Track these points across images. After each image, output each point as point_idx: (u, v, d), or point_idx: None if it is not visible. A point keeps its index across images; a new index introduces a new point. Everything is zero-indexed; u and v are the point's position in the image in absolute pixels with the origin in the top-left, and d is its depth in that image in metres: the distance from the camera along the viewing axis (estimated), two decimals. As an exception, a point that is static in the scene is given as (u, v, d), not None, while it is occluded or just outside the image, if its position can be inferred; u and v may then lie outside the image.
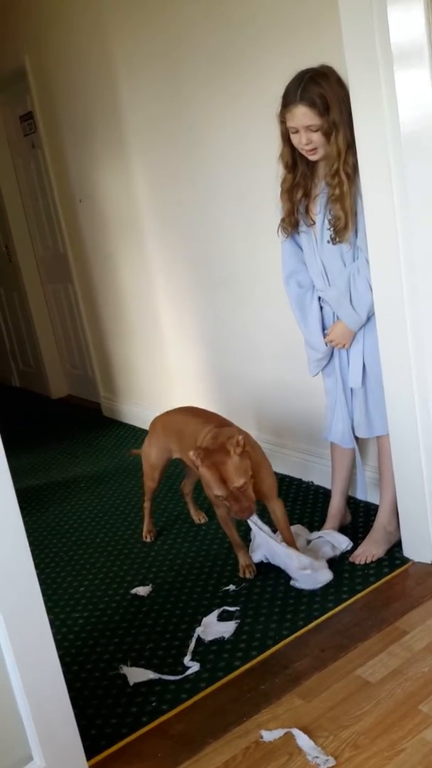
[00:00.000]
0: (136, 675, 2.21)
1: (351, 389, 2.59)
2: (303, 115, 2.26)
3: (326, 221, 2.42)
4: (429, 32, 1.98)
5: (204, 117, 3.20)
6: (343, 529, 2.79)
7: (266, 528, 2.53)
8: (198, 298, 3.68)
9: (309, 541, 2.70)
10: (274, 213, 2.60)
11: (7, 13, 4.43)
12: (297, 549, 2.53)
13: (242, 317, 3.41)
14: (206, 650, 2.28)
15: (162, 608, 2.55)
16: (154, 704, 2.08)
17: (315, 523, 2.90)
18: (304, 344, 2.68)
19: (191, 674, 2.18)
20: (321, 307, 2.57)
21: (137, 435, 4.38)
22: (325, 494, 3.11)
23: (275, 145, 2.47)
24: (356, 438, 2.67)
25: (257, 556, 2.66)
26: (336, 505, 2.80)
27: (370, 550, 2.60)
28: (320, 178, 2.43)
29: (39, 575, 1.70)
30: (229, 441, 2.32)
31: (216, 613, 2.44)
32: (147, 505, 3.04)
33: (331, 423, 2.71)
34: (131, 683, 2.18)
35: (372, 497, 2.89)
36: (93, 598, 2.69)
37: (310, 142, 2.31)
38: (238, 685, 2.11)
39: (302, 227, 2.52)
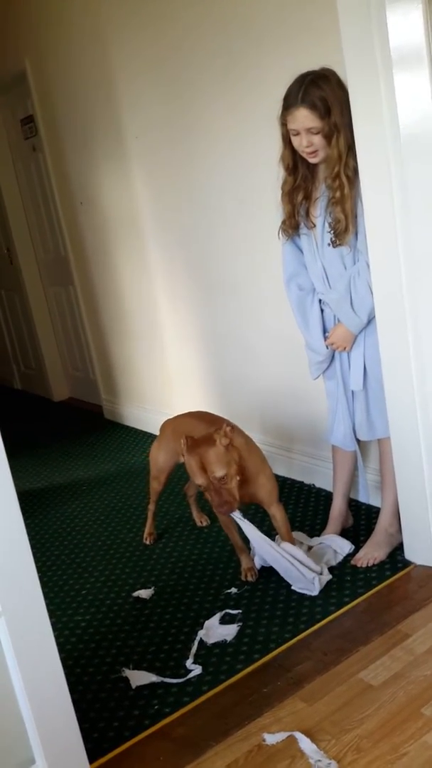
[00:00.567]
0: (139, 678, 2.21)
1: (352, 392, 2.59)
2: (304, 118, 2.26)
3: (326, 224, 2.42)
4: (428, 35, 1.98)
5: (204, 120, 3.21)
6: (344, 532, 2.79)
7: (254, 529, 2.48)
8: (198, 300, 3.68)
9: (310, 548, 2.69)
10: (274, 216, 2.60)
11: (7, 17, 4.44)
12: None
13: (243, 320, 3.41)
14: (208, 653, 2.28)
15: (164, 611, 2.54)
16: (156, 707, 2.08)
17: (317, 526, 2.90)
18: (305, 347, 2.68)
19: (193, 677, 2.18)
20: (322, 310, 2.57)
21: (139, 438, 4.38)
22: (326, 497, 3.10)
23: (275, 148, 2.47)
24: (357, 440, 2.67)
25: (257, 562, 2.66)
26: (338, 507, 2.79)
27: (371, 553, 2.60)
28: (320, 180, 2.43)
29: (41, 578, 1.70)
30: (217, 432, 2.32)
31: (218, 616, 2.44)
32: (151, 507, 3.04)
33: (332, 425, 2.71)
34: (133, 686, 2.18)
35: (374, 500, 2.89)
36: (95, 601, 2.69)
37: (310, 145, 2.31)
38: (240, 688, 2.11)
39: (303, 230, 2.52)
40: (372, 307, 2.40)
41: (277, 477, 2.64)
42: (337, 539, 2.69)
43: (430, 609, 2.30)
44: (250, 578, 2.61)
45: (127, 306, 4.33)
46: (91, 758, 1.88)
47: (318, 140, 2.30)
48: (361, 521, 2.88)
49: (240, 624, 2.39)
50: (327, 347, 2.57)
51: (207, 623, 2.41)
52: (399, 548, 2.62)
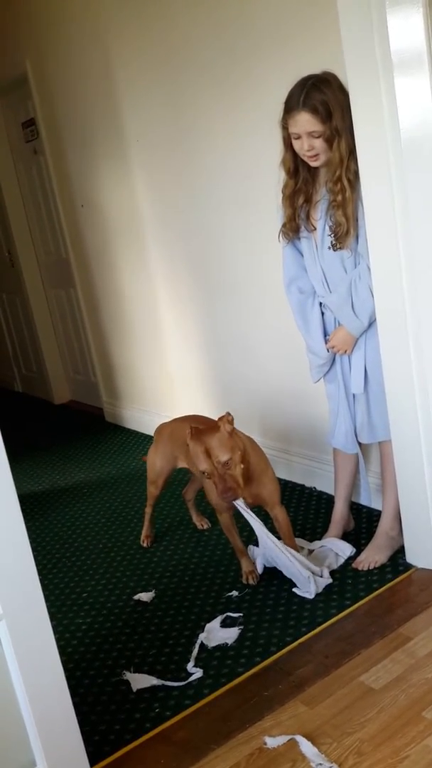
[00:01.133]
0: (140, 681, 2.20)
1: (353, 394, 2.59)
2: (305, 122, 2.26)
3: (327, 227, 2.42)
4: (428, 39, 1.99)
5: (204, 123, 3.21)
6: (346, 536, 2.79)
7: (257, 521, 2.47)
8: (199, 303, 3.69)
9: (311, 551, 2.69)
10: (274, 219, 2.60)
11: (8, 20, 4.45)
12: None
13: (244, 323, 3.41)
14: (209, 656, 2.27)
15: (165, 614, 2.54)
16: (157, 710, 2.08)
17: (318, 529, 2.90)
18: (306, 350, 2.68)
19: (194, 680, 2.17)
20: (322, 313, 2.57)
21: (140, 440, 4.38)
22: (328, 500, 3.10)
23: (275, 150, 2.47)
24: (359, 443, 2.66)
25: (258, 563, 2.65)
26: (339, 511, 2.79)
27: (373, 557, 2.60)
28: (321, 184, 2.44)
29: (42, 581, 1.70)
30: (220, 419, 2.35)
31: (219, 619, 2.44)
32: (148, 510, 3.04)
33: (333, 428, 2.71)
34: (134, 689, 2.18)
35: (375, 503, 2.89)
36: (96, 604, 2.69)
37: (311, 148, 2.31)
38: (241, 692, 2.11)
39: (303, 233, 2.52)
40: (373, 310, 2.40)
41: (278, 480, 2.64)
42: (338, 542, 2.69)
43: (432, 612, 2.30)
44: (251, 581, 2.61)
45: (127, 308, 4.33)
46: (92, 761, 1.88)
47: (319, 144, 2.30)
48: (363, 524, 2.87)
49: (241, 627, 2.38)
50: (328, 350, 2.57)
51: (208, 626, 2.41)
52: (400, 551, 2.62)
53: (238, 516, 2.53)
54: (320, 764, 1.78)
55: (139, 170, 3.77)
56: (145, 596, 2.66)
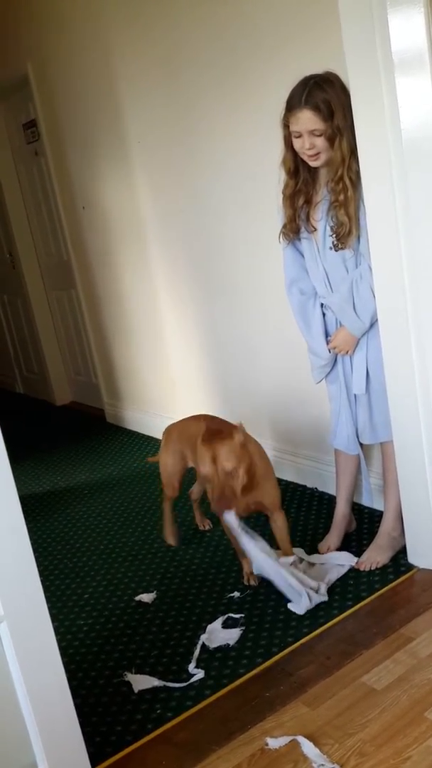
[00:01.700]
0: (141, 682, 2.20)
1: (355, 395, 2.59)
2: (307, 120, 2.26)
3: (328, 228, 2.42)
4: (429, 39, 1.98)
5: (205, 125, 3.22)
6: (347, 536, 2.78)
7: (250, 542, 2.44)
8: (200, 304, 3.69)
9: (311, 564, 2.64)
10: (275, 220, 2.60)
11: (9, 21, 4.46)
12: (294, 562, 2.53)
13: (245, 323, 3.41)
14: (211, 657, 2.27)
15: (166, 615, 2.54)
16: (158, 711, 2.08)
17: (319, 529, 2.90)
18: (308, 351, 2.68)
19: (196, 681, 2.17)
20: (323, 314, 2.57)
21: (141, 441, 4.38)
22: (329, 501, 3.10)
23: (276, 151, 2.47)
24: (360, 444, 2.66)
25: (255, 570, 2.63)
26: (341, 512, 2.79)
27: (375, 557, 2.60)
28: (321, 184, 2.43)
29: (43, 582, 1.70)
30: (235, 428, 2.35)
31: (220, 620, 2.44)
32: (167, 511, 3.00)
33: (335, 429, 2.70)
34: (136, 690, 2.17)
35: (377, 504, 2.89)
36: (97, 605, 2.69)
37: (312, 147, 2.30)
38: (242, 693, 2.10)
39: (303, 234, 2.52)
40: (374, 310, 2.40)
41: (280, 481, 2.64)
42: (339, 555, 2.66)
43: (434, 613, 2.30)
44: (252, 582, 2.61)
45: (129, 309, 4.33)
46: (94, 763, 1.87)
47: (320, 143, 2.29)
48: (364, 525, 2.87)
49: (242, 628, 2.38)
50: (330, 351, 2.57)
51: (209, 627, 2.41)
52: (402, 552, 2.62)
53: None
54: (322, 765, 1.78)
55: (141, 171, 3.77)
56: (146, 597, 2.66)
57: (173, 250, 3.75)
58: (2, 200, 5.27)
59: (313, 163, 2.37)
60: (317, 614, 2.38)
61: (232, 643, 2.31)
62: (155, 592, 2.69)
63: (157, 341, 4.16)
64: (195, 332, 3.81)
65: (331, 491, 3.06)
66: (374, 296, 2.37)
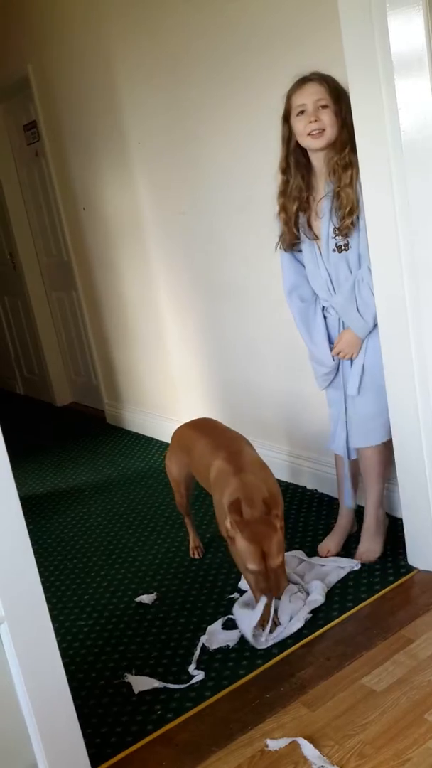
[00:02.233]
0: (141, 683, 2.20)
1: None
2: (315, 90, 2.25)
3: (331, 230, 2.40)
4: (429, 41, 1.99)
5: (206, 127, 3.22)
6: (348, 538, 2.78)
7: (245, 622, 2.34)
8: (201, 305, 3.69)
9: (312, 565, 2.64)
10: (275, 222, 2.59)
11: (9, 23, 4.46)
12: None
13: (246, 324, 3.41)
14: (211, 659, 2.27)
15: (166, 616, 2.54)
16: (158, 713, 2.08)
17: (320, 531, 2.90)
18: (310, 359, 2.67)
19: (196, 683, 2.17)
20: (325, 318, 2.56)
21: (141, 442, 4.39)
22: (329, 502, 3.10)
23: (277, 153, 2.47)
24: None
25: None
26: (344, 515, 2.79)
27: (372, 547, 2.63)
28: (321, 182, 2.40)
29: (43, 583, 1.70)
30: (274, 513, 2.20)
31: (221, 621, 2.44)
32: (187, 521, 2.95)
33: (333, 434, 2.70)
34: (136, 692, 2.17)
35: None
36: (98, 606, 2.69)
37: (317, 120, 2.26)
38: (243, 694, 2.10)
39: (304, 240, 2.49)
40: (375, 311, 2.39)
41: (280, 482, 2.63)
42: (341, 560, 2.65)
43: (434, 614, 2.30)
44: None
45: (129, 311, 4.33)
46: (94, 764, 1.87)
47: (326, 116, 2.26)
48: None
49: (243, 629, 2.38)
50: (333, 358, 2.55)
51: (209, 629, 2.41)
52: (402, 553, 2.62)
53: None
54: (322, 766, 1.78)
55: (141, 173, 3.77)
56: (146, 598, 2.66)
57: (174, 251, 3.75)
58: (3, 201, 5.27)
59: (315, 143, 2.30)
60: (317, 616, 2.38)
61: (232, 644, 2.31)
62: (155, 593, 2.70)
63: (157, 342, 4.16)
64: (195, 333, 3.81)
65: (331, 493, 3.06)
66: (373, 297, 2.37)
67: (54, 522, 3.48)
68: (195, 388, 3.96)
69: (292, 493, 3.27)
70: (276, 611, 2.36)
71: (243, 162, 3.07)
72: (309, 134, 2.31)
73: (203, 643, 2.34)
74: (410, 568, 2.56)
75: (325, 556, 2.70)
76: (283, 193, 2.46)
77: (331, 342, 2.56)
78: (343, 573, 2.58)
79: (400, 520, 2.63)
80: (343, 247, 2.40)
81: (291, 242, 2.52)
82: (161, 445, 4.22)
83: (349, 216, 2.33)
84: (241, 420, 3.37)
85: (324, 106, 2.27)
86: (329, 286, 2.49)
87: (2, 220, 5.39)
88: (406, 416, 2.39)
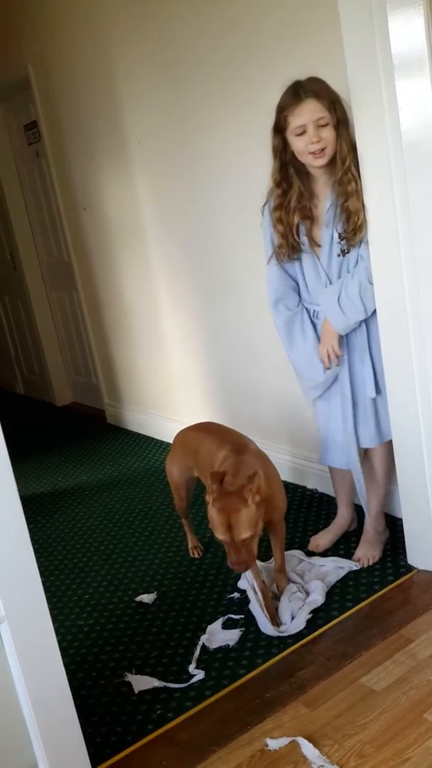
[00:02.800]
0: (141, 683, 2.21)
1: (353, 404, 2.55)
2: (312, 109, 2.20)
3: (336, 235, 2.37)
4: (429, 41, 1.99)
5: (206, 128, 3.22)
6: (346, 535, 2.79)
7: (256, 587, 2.40)
8: (201, 305, 3.69)
9: (312, 565, 2.64)
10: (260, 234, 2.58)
11: (10, 23, 4.46)
12: (284, 577, 2.52)
13: (246, 324, 3.41)
14: (211, 658, 2.28)
15: (167, 616, 2.54)
16: (159, 712, 2.08)
17: (320, 530, 2.89)
18: (295, 372, 2.64)
19: (196, 682, 2.18)
20: (314, 325, 2.53)
21: (141, 442, 4.39)
22: (329, 501, 3.11)
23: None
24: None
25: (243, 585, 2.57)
26: (344, 515, 2.79)
27: (370, 552, 2.63)
28: (323, 191, 2.38)
29: (44, 582, 1.70)
30: (248, 487, 2.15)
31: (221, 620, 2.44)
32: (184, 522, 2.95)
33: (326, 447, 2.66)
34: (136, 691, 2.18)
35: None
36: (98, 606, 2.69)
37: (319, 140, 2.23)
38: (242, 693, 2.11)
39: (305, 249, 2.46)
40: (361, 309, 2.37)
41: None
42: (341, 560, 2.65)
43: (433, 614, 2.30)
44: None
45: (129, 311, 4.33)
46: (94, 763, 1.88)
47: (327, 134, 2.22)
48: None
49: (242, 629, 2.38)
50: (324, 371, 2.51)
51: (209, 628, 2.41)
52: (402, 553, 2.62)
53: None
54: (322, 766, 1.78)
55: (141, 173, 3.77)
56: (146, 598, 2.66)
57: (174, 251, 3.75)
58: (3, 201, 5.27)
59: (317, 161, 2.28)
60: (317, 615, 2.38)
61: (232, 643, 2.32)
62: (155, 592, 2.70)
63: (157, 342, 4.16)
64: (195, 333, 3.81)
65: (331, 492, 3.06)
66: (362, 297, 2.35)
67: (54, 521, 3.49)
68: (195, 388, 3.96)
69: (292, 493, 3.27)
70: (277, 610, 2.38)
71: (243, 162, 3.07)
72: (311, 153, 2.27)
73: (203, 643, 2.34)
74: (410, 568, 2.56)
75: (314, 551, 2.71)
76: (280, 206, 2.40)
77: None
78: (342, 573, 2.58)
79: (400, 519, 2.64)
80: (346, 251, 2.38)
81: (291, 254, 2.47)
82: (161, 445, 4.23)
83: (360, 230, 2.29)
84: (241, 420, 3.37)
85: (324, 125, 2.23)
86: None
87: (3, 220, 5.39)
88: (406, 416, 2.39)
